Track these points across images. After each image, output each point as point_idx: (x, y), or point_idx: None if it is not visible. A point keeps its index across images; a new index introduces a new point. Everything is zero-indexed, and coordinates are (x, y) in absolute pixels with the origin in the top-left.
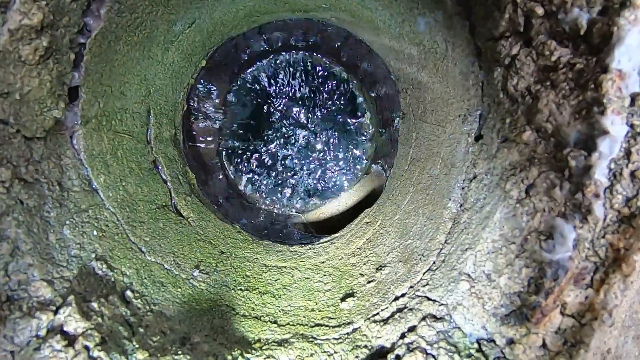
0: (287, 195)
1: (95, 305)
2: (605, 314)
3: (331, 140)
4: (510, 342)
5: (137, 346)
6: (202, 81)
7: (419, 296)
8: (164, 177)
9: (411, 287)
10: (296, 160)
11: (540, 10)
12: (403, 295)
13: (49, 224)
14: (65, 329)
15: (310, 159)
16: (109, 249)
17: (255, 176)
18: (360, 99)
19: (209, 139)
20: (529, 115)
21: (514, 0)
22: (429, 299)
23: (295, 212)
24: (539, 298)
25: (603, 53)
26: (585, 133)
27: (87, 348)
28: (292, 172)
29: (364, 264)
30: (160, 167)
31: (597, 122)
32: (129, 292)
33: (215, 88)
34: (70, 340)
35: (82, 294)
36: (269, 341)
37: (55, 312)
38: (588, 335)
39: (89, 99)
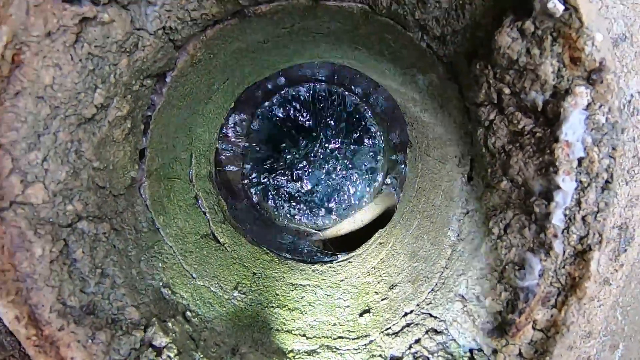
0: (306, 214)
1: (170, 324)
2: (565, 329)
3: (346, 164)
4: (495, 351)
5: (202, 356)
6: (229, 119)
7: (423, 313)
8: (203, 209)
9: (417, 305)
10: (313, 182)
11: (507, 90)
12: (411, 312)
13: (131, 260)
14: (153, 343)
15: (327, 180)
16: (170, 277)
17: (277, 198)
18: (372, 127)
19: (234, 166)
20: (504, 168)
21: (488, 80)
22: (431, 315)
23: (314, 230)
24: (515, 316)
25: (555, 126)
26: (545, 186)
27: (170, 358)
28: (310, 194)
29: (378, 282)
30: (200, 201)
31: (553, 179)
32: (188, 312)
33: (240, 122)
34: (158, 352)
35: (158, 315)
36: (300, 352)
37: (145, 330)
38: (552, 345)
39: (152, 157)
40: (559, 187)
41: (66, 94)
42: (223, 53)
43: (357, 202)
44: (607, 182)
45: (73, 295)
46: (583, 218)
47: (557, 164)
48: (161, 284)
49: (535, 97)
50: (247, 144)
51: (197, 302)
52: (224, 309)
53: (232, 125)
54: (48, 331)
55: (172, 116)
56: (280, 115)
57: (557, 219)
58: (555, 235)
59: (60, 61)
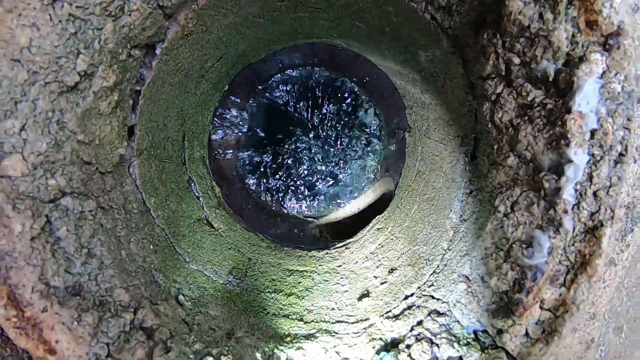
0: (302, 201)
1: (161, 308)
2: (574, 308)
3: (343, 149)
4: (500, 332)
5: (195, 339)
6: (224, 101)
7: (425, 295)
8: (197, 194)
9: (418, 287)
10: (310, 169)
11: (517, 60)
12: (412, 294)
13: (120, 241)
14: (144, 325)
15: (323, 167)
16: (162, 260)
17: (272, 185)
18: (369, 112)
19: (228, 152)
20: (512, 144)
21: (496, 50)
22: (433, 297)
23: (310, 217)
24: (522, 296)
25: (567, 97)
26: (555, 160)
27: (162, 340)
28: (306, 180)
29: (377, 267)
30: (193, 185)
31: (564, 153)
32: (181, 296)
33: (234, 105)
34: (148, 335)
35: (149, 298)
36: (298, 336)
37: (135, 313)
38: (561, 325)
39: (142, 135)
40: (570, 161)
41: (45, 58)
42: (216, 26)
43: (353, 188)
44: (620, 154)
45: (57, 275)
46: (594, 193)
47: (568, 136)
48: (152, 266)
49: (547, 67)
50: (241, 129)
51: (191, 286)
52: (219, 293)
53: (226, 108)
54: (30, 312)
55: (162, 93)
56: (277, 100)
57: (568, 194)
58: (566, 211)
59: (37, 21)
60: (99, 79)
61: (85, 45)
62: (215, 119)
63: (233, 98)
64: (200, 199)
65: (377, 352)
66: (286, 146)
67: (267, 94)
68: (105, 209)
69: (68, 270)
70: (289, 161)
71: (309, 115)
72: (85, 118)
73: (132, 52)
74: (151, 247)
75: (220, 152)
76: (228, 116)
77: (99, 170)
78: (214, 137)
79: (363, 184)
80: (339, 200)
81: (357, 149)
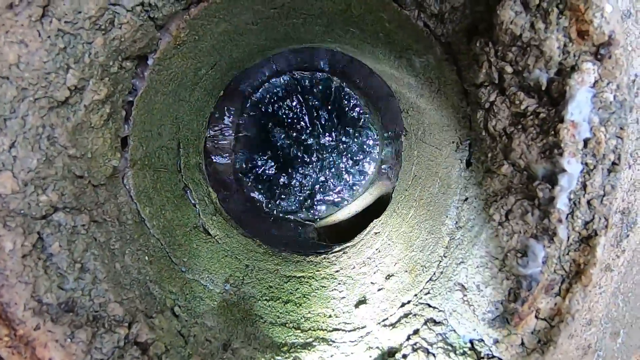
0: (299, 205)
1: (156, 321)
2: (570, 317)
3: (338, 152)
4: (496, 341)
5: (191, 353)
6: (219, 108)
7: (421, 303)
8: (193, 201)
9: (415, 295)
10: (306, 172)
11: (509, 69)
12: (408, 302)
13: (114, 254)
14: (138, 340)
15: (320, 170)
16: (158, 271)
17: (269, 189)
18: (365, 115)
19: (224, 157)
20: (506, 152)
21: (489, 59)
22: (429, 305)
23: (308, 220)
24: (517, 305)
25: (560, 106)
26: (549, 169)
27: (157, 355)
28: (303, 183)
29: (374, 273)
30: (189, 192)
31: (558, 162)
32: (176, 307)
33: (229, 111)
34: (143, 349)
35: (144, 311)
36: (295, 345)
37: (129, 327)
38: (557, 335)
39: (135, 145)
40: (564, 170)
41: (34, 74)
42: (209, 35)
43: (351, 191)
44: (613, 163)
45: (50, 292)
46: (588, 202)
47: (562, 145)
48: (148, 278)
49: (540, 76)
50: (237, 134)
51: (187, 296)
52: (215, 302)
53: (221, 114)
54: (22, 331)
55: (156, 102)
56: (272, 104)
57: (562, 204)
58: (560, 221)
59: (25, 37)
60: (90, 92)
61: (75, 59)
62: (211, 125)
63: (228, 104)
64: (197, 206)
65: None
66: (282, 150)
67: (262, 99)
68: (99, 222)
69: (61, 286)
70: (286, 165)
71: (305, 119)
72: (77, 132)
73: (123, 64)
74: (146, 258)
75: (216, 158)
76: (223, 122)
77: (92, 184)
78: (209, 143)
79: (360, 186)
80: (335, 203)
81: (353, 151)
